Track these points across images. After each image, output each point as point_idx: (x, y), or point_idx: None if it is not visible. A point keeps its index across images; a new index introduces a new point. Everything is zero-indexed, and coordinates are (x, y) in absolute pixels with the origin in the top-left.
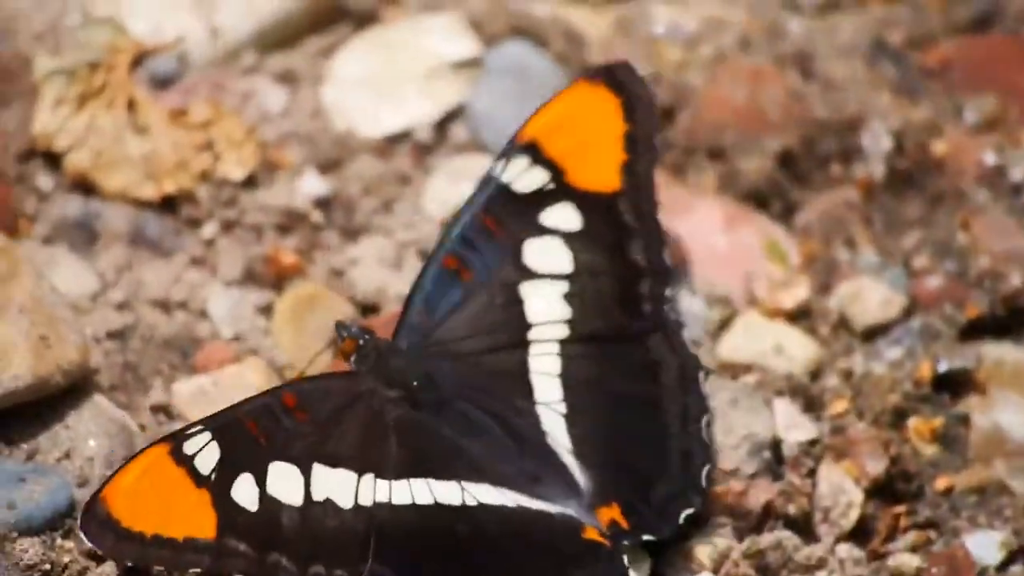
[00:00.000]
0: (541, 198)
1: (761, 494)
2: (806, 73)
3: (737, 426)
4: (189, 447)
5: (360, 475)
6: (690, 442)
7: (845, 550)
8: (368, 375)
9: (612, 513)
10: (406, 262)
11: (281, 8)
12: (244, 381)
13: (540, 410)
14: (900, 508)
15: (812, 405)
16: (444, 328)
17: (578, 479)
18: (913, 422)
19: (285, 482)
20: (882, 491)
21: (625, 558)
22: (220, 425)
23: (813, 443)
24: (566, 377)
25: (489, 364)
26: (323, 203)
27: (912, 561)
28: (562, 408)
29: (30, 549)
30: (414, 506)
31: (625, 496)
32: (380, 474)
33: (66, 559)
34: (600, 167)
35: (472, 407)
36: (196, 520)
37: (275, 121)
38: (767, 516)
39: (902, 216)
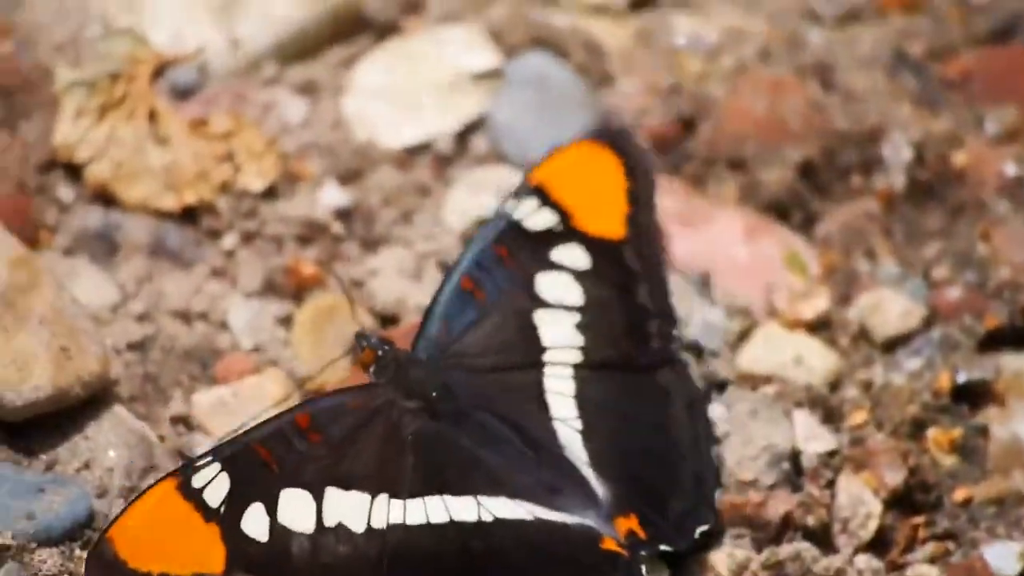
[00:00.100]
0: (551, 237)
1: (780, 505)
2: (826, 84)
3: (756, 437)
4: (198, 480)
5: (374, 496)
6: (702, 465)
7: (864, 561)
8: (387, 386)
9: (630, 523)
10: (426, 273)
11: (301, 19)
12: (263, 392)
13: (557, 425)
14: (919, 519)
15: (831, 416)
16: (461, 343)
17: (596, 490)
18: (932, 433)
19: (297, 509)
20: (901, 502)
21: (643, 568)
22: (230, 455)
23: (832, 454)
24: (581, 398)
25: (505, 380)
26: (343, 214)
27: (931, 572)
28: (578, 425)
29: (49, 560)
30: (428, 526)
31: (642, 508)
32: (395, 494)
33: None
34: (605, 216)
35: (490, 417)
36: (204, 556)
37: (295, 132)
38: (786, 527)
39: (922, 227)
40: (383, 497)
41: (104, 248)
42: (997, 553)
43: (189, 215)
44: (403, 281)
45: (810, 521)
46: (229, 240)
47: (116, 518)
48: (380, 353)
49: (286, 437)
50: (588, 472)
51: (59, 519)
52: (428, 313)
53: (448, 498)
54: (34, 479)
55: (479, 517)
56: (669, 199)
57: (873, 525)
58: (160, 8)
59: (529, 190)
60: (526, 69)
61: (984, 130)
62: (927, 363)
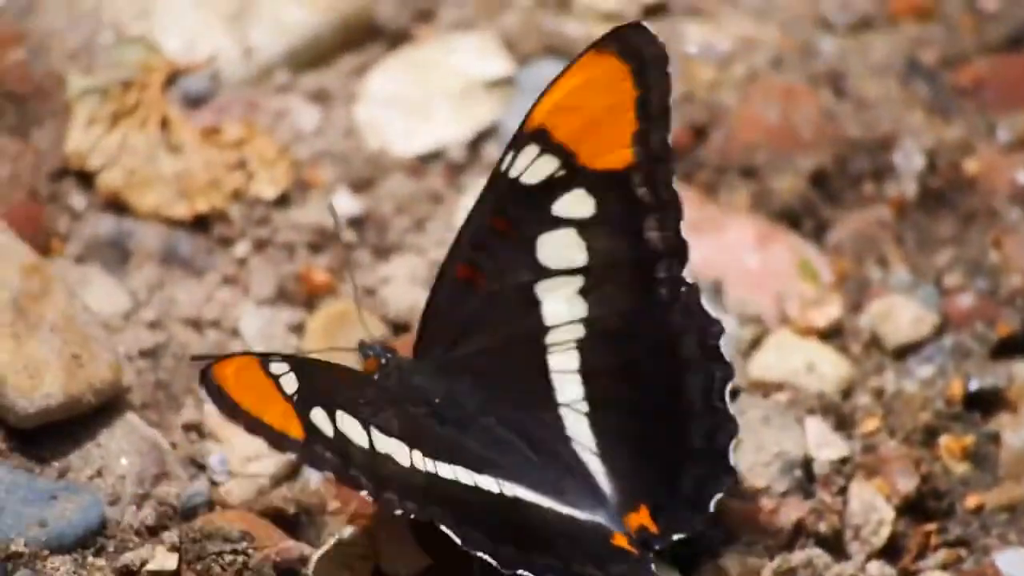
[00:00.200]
0: (552, 187)
1: (792, 512)
2: (839, 92)
3: (768, 444)
4: (274, 368)
5: (410, 448)
6: (714, 417)
7: (876, 568)
8: (393, 393)
9: (640, 519)
10: None
11: (314, 27)
12: None
13: (563, 412)
14: (931, 526)
15: (843, 423)
16: (462, 340)
17: (604, 487)
18: (944, 440)
19: (351, 428)
20: (913, 509)
21: (653, 566)
22: (295, 365)
23: (844, 461)
24: (585, 372)
25: (509, 369)
26: (355, 222)
27: None
28: (583, 407)
29: (61, 567)
30: (458, 482)
31: (653, 494)
32: (425, 453)
33: None
34: (612, 142)
35: (495, 422)
36: (287, 423)
37: (308, 140)
38: (798, 534)
39: (934, 235)
40: (417, 452)
41: (116, 256)
42: (1009, 560)
43: (201, 223)
44: (415, 289)
45: (822, 528)
46: (241, 248)
47: (214, 361)
48: (383, 362)
49: (334, 380)
50: (595, 464)
51: (71, 526)
52: (426, 312)
53: (471, 472)
54: (46, 486)
55: (501, 491)
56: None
57: (885, 532)
58: (172, 16)
59: (527, 137)
60: (538, 77)
61: (996, 138)
62: (939, 370)
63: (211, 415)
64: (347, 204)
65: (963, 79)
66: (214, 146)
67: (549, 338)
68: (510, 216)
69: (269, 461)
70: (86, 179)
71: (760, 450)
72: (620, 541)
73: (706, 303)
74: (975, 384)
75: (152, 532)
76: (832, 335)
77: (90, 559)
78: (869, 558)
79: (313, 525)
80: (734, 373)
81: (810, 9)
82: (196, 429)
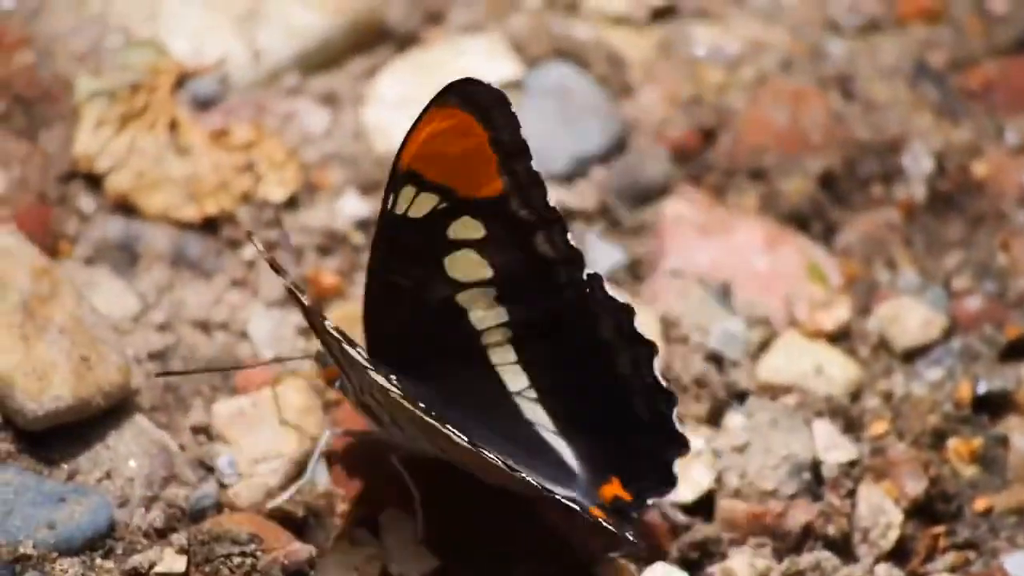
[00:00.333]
0: (441, 216)
1: (800, 515)
2: (847, 94)
3: (777, 447)
4: None
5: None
6: (649, 392)
7: (884, 570)
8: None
9: (613, 489)
10: None
11: (323, 30)
12: (284, 403)
13: (517, 400)
14: (939, 529)
15: (852, 426)
16: (409, 345)
17: (572, 464)
18: (953, 443)
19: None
20: (921, 512)
21: (630, 535)
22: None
23: (853, 464)
24: (526, 364)
25: (459, 371)
26: (364, 224)
27: None
28: (533, 394)
29: (70, 569)
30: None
31: (618, 465)
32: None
33: None
34: (482, 176)
35: (458, 413)
36: None
37: (316, 142)
38: (806, 536)
39: (943, 237)
40: None
41: (125, 258)
42: (1017, 563)
43: (210, 225)
44: None
45: (830, 531)
46: (250, 250)
47: None
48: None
49: None
50: (559, 444)
51: (80, 528)
52: (366, 322)
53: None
54: (55, 488)
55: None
56: (690, 209)
57: (893, 535)
58: (181, 19)
59: (402, 179)
60: (547, 80)
61: (1005, 140)
62: (948, 373)
63: (219, 417)
64: (356, 206)
65: (972, 82)
66: (223, 148)
67: (484, 339)
68: (410, 245)
69: (278, 462)
70: (95, 181)
71: (768, 453)
72: (596, 513)
73: (715, 304)
74: (983, 387)
75: (161, 534)
76: (840, 338)
77: (98, 561)
78: (877, 561)
79: (321, 527)
80: (656, 349)
81: (819, 12)
82: (204, 431)
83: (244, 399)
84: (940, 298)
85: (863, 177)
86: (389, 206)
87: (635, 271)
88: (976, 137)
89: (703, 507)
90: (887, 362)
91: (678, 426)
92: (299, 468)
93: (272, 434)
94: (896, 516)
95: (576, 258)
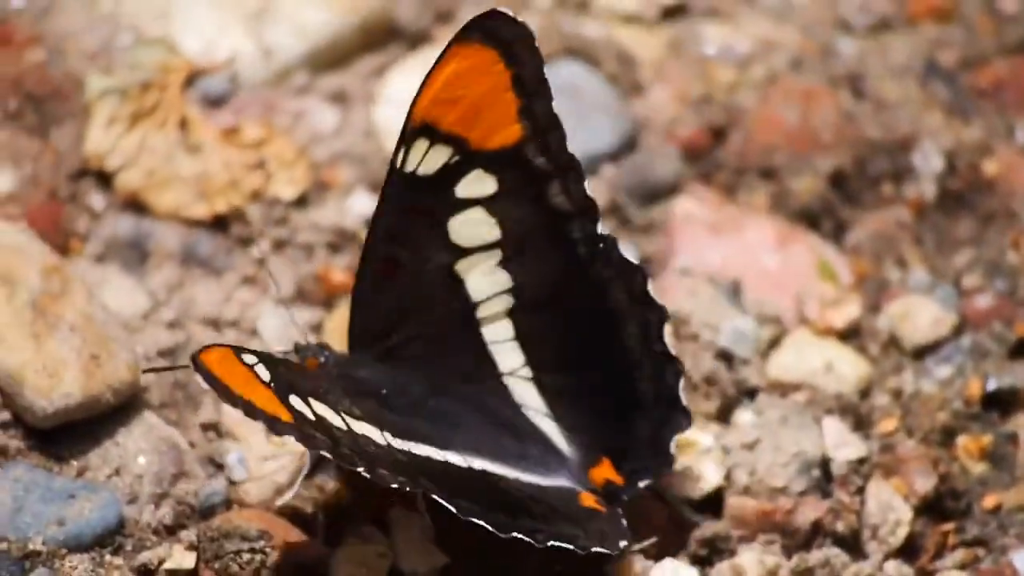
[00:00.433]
0: (449, 173)
1: (810, 512)
2: (858, 93)
3: (786, 444)
4: (247, 359)
5: (380, 429)
6: (657, 361)
7: (893, 567)
8: (336, 390)
9: (604, 472)
10: None
11: (333, 28)
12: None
13: (508, 381)
14: (948, 526)
15: (861, 423)
16: (395, 328)
17: (562, 448)
18: (962, 440)
19: (326, 412)
20: (931, 509)
21: (623, 522)
22: (263, 356)
23: (862, 461)
24: (522, 339)
25: (447, 351)
26: None
27: None
28: (527, 372)
29: (79, 566)
30: (432, 459)
31: (612, 446)
32: (393, 434)
33: None
34: (499, 121)
35: (444, 400)
36: (274, 408)
37: (327, 141)
38: (816, 533)
39: (953, 235)
40: (388, 432)
41: (135, 256)
42: None
43: (220, 223)
44: None
45: (840, 527)
46: (260, 248)
47: (199, 351)
48: (322, 359)
49: (296, 372)
50: (550, 427)
51: (89, 525)
52: (353, 307)
53: (438, 449)
54: (65, 485)
55: (470, 466)
56: (700, 208)
57: (903, 532)
58: (191, 17)
59: (414, 132)
60: (558, 78)
61: (1015, 139)
62: (957, 371)
63: (228, 414)
64: (365, 205)
65: (982, 80)
66: (233, 146)
67: (479, 312)
68: (415, 207)
69: (287, 459)
70: (105, 179)
71: (778, 450)
72: (587, 501)
73: (725, 302)
74: (993, 384)
75: (170, 531)
76: (850, 335)
77: (108, 558)
78: (887, 558)
79: (331, 524)
80: (668, 314)
81: (829, 11)
82: (214, 428)
83: None
84: (950, 296)
85: (873, 176)
86: (399, 163)
87: None
88: (986, 136)
89: (712, 504)
90: (897, 359)
91: (683, 398)
92: (311, 466)
93: None
94: (905, 513)
95: (591, 209)
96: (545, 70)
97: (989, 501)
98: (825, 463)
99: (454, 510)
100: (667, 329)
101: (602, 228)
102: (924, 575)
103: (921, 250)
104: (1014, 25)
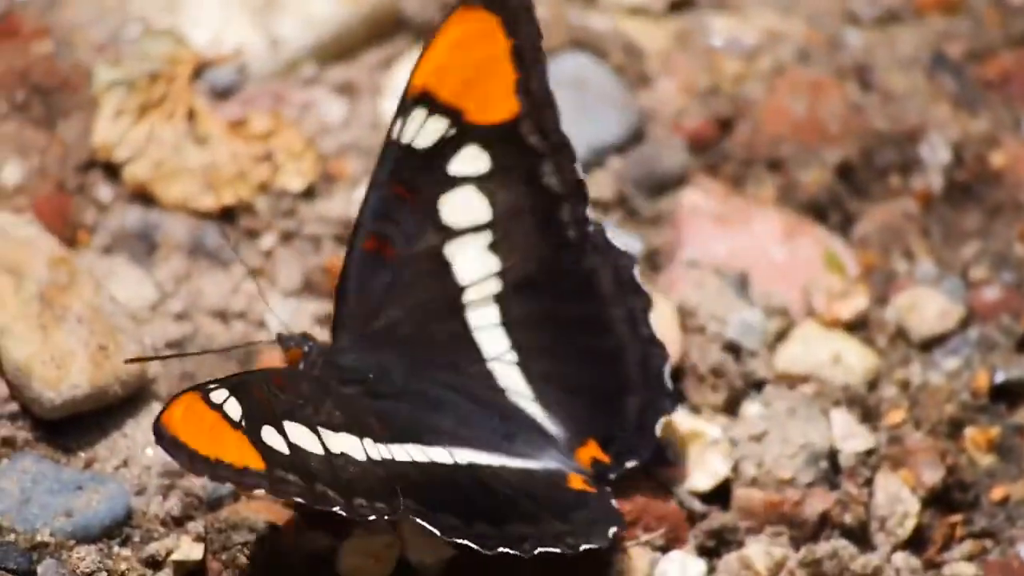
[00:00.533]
0: (445, 148)
1: (818, 503)
2: (865, 85)
3: (794, 436)
4: (215, 397)
5: (360, 438)
6: (644, 346)
7: (901, 559)
8: (322, 378)
9: (591, 451)
10: None
11: (340, 20)
12: None
13: (493, 367)
14: (956, 517)
15: (869, 415)
16: (380, 313)
17: (549, 427)
18: (970, 432)
19: (302, 437)
20: (938, 500)
21: (613, 502)
22: (234, 384)
23: (870, 453)
24: (508, 324)
25: (432, 336)
26: None
27: (968, 570)
28: (512, 357)
29: (87, 557)
30: (413, 463)
31: (599, 428)
32: (375, 439)
33: (123, 567)
34: (497, 94)
35: (429, 385)
36: (244, 455)
37: (334, 132)
38: (823, 525)
39: (960, 227)
40: (368, 439)
41: (143, 247)
42: None
43: (228, 215)
44: None
45: (848, 519)
46: (268, 240)
47: (164, 408)
48: (306, 349)
49: (270, 388)
50: (536, 410)
51: (97, 516)
52: (338, 292)
53: (421, 446)
54: (72, 476)
55: (455, 461)
56: (707, 200)
57: (911, 523)
58: (199, 8)
59: (413, 101)
60: (564, 70)
61: (1022, 131)
62: (965, 363)
63: None
64: None
65: (989, 72)
66: (241, 138)
67: (465, 297)
68: (408, 182)
69: None
70: (113, 171)
71: (786, 442)
72: (576, 483)
73: (733, 294)
74: (1001, 376)
75: (178, 522)
76: (858, 327)
77: (116, 549)
78: (895, 549)
79: (339, 516)
80: (652, 301)
81: (836, 2)
82: None
83: None
84: (957, 288)
85: (880, 167)
86: (395, 135)
87: (652, 261)
88: (993, 128)
89: (720, 495)
90: (904, 351)
91: (668, 382)
92: None
93: None
94: (913, 505)
95: (581, 191)
96: (543, 44)
97: (997, 493)
98: (833, 455)
99: (436, 532)
100: (652, 317)
101: (608, 220)
102: (932, 567)
103: (928, 242)
104: (1021, 17)
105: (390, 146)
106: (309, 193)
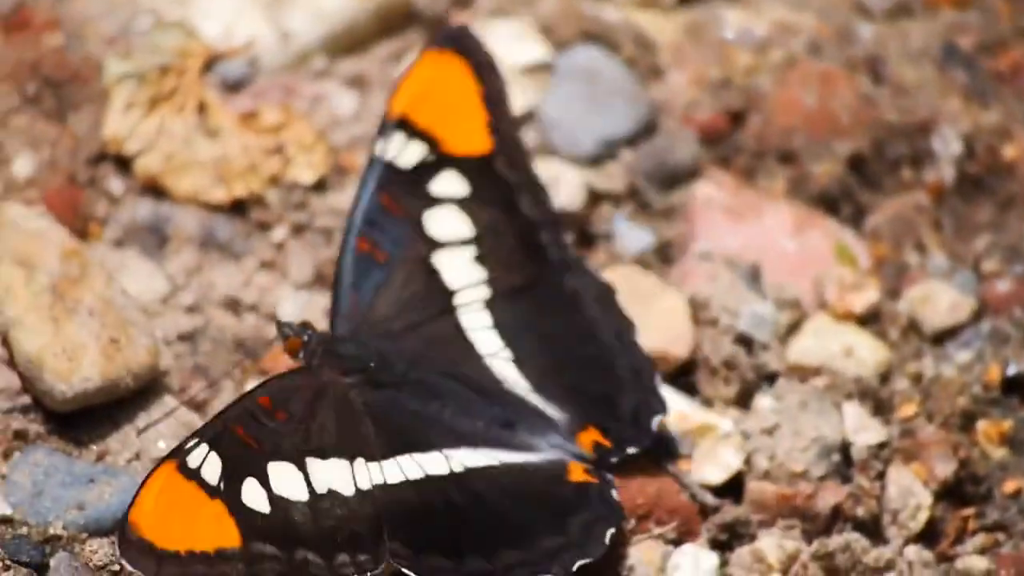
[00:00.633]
0: (426, 170)
1: (830, 496)
2: (877, 77)
3: (806, 429)
4: (192, 460)
5: (351, 461)
6: (633, 358)
7: (914, 552)
8: (321, 368)
9: (592, 435)
10: None
11: (351, 13)
12: None
13: (489, 362)
14: (968, 510)
15: (881, 408)
16: (376, 309)
17: (549, 412)
18: (982, 425)
19: (287, 480)
20: (951, 493)
21: (614, 492)
22: (213, 435)
23: (882, 446)
24: (501, 328)
25: (427, 334)
26: None
27: (980, 563)
28: (507, 354)
29: (100, 550)
30: (408, 482)
31: (597, 417)
32: (369, 457)
33: None
34: (470, 131)
35: (428, 374)
36: (220, 530)
37: (345, 125)
38: (836, 518)
39: (972, 220)
40: (360, 461)
41: (154, 240)
42: None
43: (239, 207)
44: None
45: (860, 512)
46: (279, 232)
47: (132, 503)
48: (305, 338)
49: (255, 417)
50: (535, 398)
51: (110, 509)
52: (335, 287)
53: (417, 455)
54: (85, 470)
55: (450, 469)
56: (719, 192)
57: (923, 517)
58: (210, 1)
59: (393, 125)
60: (575, 62)
61: None
62: (977, 355)
63: None
64: None
65: (1001, 65)
66: (252, 131)
67: (456, 300)
68: (393, 195)
69: None
70: (124, 164)
71: (798, 435)
72: (577, 474)
73: (745, 287)
74: (1013, 369)
75: None
76: (870, 320)
77: None
78: (907, 542)
79: None
80: (636, 328)
81: None
82: None
83: None
84: (969, 280)
85: (892, 160)
86: (378, 152)
87: (664, 254)
88: (1005, 120)
89: (732, 489)
90: (916, 344)
91: (659, 388)
92: None
93: None
94: (926, 498)
95: (556, 221)
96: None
97: (1009, 486)
98: (845, 448)
99: None
100: (637, 335)
101: (620, 213)
102: (944, 560)
103: (940, 235)
104: None
105: (375, 161)
106: (320, 186)
